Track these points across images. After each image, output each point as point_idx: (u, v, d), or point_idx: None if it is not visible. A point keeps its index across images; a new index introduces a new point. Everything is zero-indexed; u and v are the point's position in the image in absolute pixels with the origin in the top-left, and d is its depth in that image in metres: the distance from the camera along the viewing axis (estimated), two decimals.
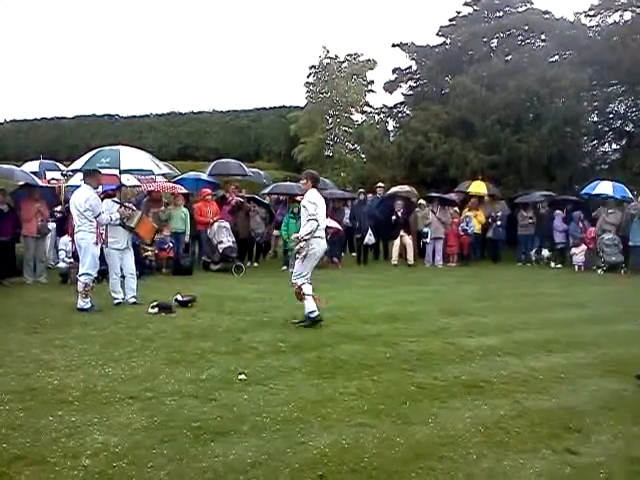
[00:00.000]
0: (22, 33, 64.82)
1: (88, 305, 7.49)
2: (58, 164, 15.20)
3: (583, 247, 14.04)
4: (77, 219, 7.60)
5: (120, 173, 8.57)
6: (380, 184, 16.26)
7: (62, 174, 13.08)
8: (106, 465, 3.19)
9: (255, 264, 13.54)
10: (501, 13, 22.55)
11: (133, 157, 8.47)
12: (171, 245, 11.75)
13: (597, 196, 14.38)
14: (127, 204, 8.28)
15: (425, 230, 14.42)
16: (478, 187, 15.37)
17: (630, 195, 14.12)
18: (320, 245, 6.97)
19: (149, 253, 11.15)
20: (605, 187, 14.18)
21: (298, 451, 3.46)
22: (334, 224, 13.69)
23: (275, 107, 31.23)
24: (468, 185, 15.76)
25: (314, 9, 65.15)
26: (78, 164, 8.30)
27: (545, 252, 14.79)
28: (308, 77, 27.45)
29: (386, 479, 3.17)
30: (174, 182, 13.68)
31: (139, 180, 12.18)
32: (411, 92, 24.28)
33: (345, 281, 11.42)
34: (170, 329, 6.56)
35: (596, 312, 8.42)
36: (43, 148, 25.34)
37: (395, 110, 24.78)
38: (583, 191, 14.86)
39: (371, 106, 27.05)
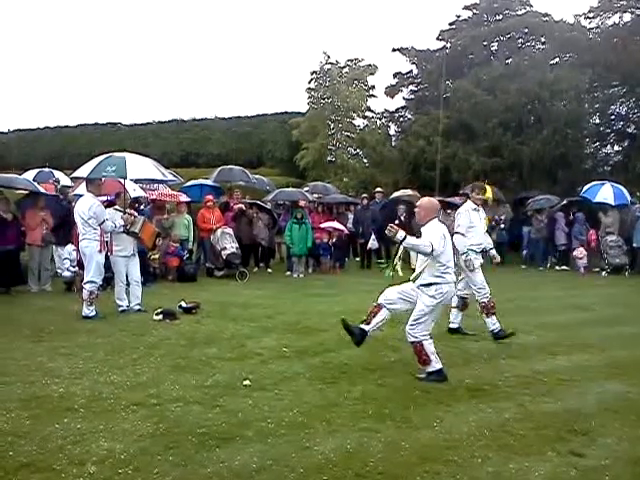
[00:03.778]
0: (26, 42, 65.28)
1: (93, 313, 7.51)
2: (55, 172, 14.92)
3: (582, 250, 13.99)
4: (81, 227, 7.63)
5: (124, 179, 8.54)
6: (379, 189, 16.27)
7: (53, 182, 12.77)
8: (112, 472, 3.20)
9: (255, 269, 13.50)
10: (501, 16, 22.65)
11: (139, 166, 8.36)
12: (187, 254, 11.83)
13: (599, 203, 14.23)
14: (129, 210, 8.29)
15: None
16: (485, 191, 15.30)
17: (629, 199, 14.05)
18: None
19: (156, 257, 11.18)
20: (606, 194, 14.00)
21: (303, 456, 3.46)
22: (338, 226, 13.75)
23: (277, 113, 31.30)
24: None
25: (314, 15, 65.45)
26: (84, 171, 8.24)
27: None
28: (309, 83, 27.53)
29: None
30: (179, 190, 13.73)
31: (143, 189, 12.21)
32: (412, 96, 24.37)
33: (349, 286, 11.43)
34: (174, 336, 6.58)
35: (600, 314, 8.40)
36: (47, 157, 25.43)
37: (396, 115, 24.88)
38: (584, 193, 14.68)
39: (372, 111, 27.10)
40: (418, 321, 4.99)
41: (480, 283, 6.61)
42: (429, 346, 4.98)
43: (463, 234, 6.55)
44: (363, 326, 5.27)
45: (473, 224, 6.61)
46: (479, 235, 6.70)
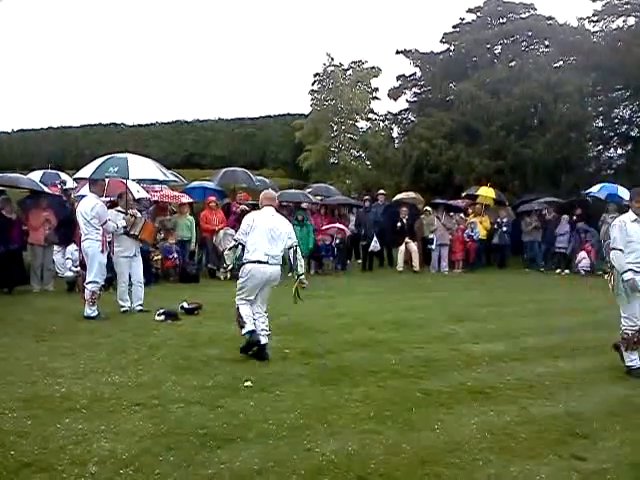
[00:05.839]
0: (28, 43, 65.51)
1: (95, 313, 7.53)
2: (61, 174, 15.00)
3: (583, 253, 14.01)
4: (84, 227, 7.65)
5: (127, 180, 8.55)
6: (381, 191, 16.29)
7: (59, 183, 12.83)
8: (113, 472, 3.20)
9: None
10: (504, 19, 22.62)
11: (141, 166, 8.39)
12: (175, 255, 11.75)
13: (597, 199, 14.34)
14: (131, 211, 8.28)
15: (431, 237, 14.42)
16: (487, 192, 15.31)
17: (623, 197, 14.02)
18: None
19: (158, 258, 11.18)
20: (595, 188, 14.31)
21: (304, 458, 3.46)
22: (341, 227, 13.75)
23: (280, 115, 31.35)
24: (477, 189, 15.69)
25: (318, 17, 65.57)
26: (86, 172, 8.27)
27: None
28: (313, 85, 27.62)
29: None
30: (182, 191, 13.76)
31: (146, 190, 12.23)
32: (415, 99, 24.36)
33: (351, 288, 11.42)
34: (176, 336, 6.59)
35: (602, 317, 8.37)
36: (50, 157, 25.50)
37: (400, 117, 24.86)
38: (587, 191, 14.83)
39: (376, 113, 27.17)
40: (237, 291, 5.83)
41: (632, 312, 5.53)
42: (242, 309, 5.72)
43: (621, 250, 5.52)
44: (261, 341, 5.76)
45: (632, 238, 5.56)
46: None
